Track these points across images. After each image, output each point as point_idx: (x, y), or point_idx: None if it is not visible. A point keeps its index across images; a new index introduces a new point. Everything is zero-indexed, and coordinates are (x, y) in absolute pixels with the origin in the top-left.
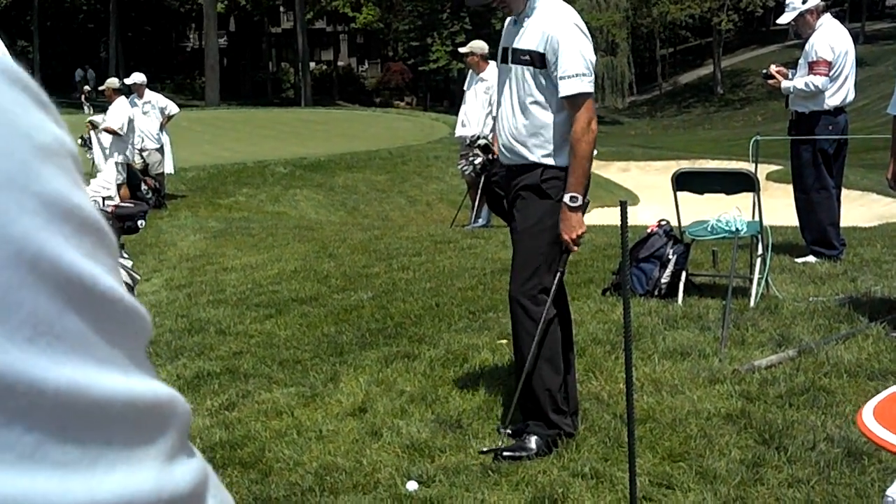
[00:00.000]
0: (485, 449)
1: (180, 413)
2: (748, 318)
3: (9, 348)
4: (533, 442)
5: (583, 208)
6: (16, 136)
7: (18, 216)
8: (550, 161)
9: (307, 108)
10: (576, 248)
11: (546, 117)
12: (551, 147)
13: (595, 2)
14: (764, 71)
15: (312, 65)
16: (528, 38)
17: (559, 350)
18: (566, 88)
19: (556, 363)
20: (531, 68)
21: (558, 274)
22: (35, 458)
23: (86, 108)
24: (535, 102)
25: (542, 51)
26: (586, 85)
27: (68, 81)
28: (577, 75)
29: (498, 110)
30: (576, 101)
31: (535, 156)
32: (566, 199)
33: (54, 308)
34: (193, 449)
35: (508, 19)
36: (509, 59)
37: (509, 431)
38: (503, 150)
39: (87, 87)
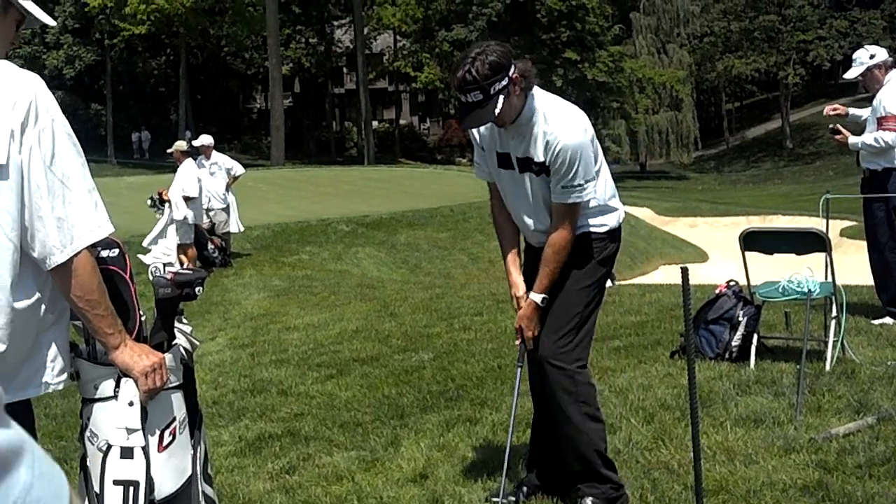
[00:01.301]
0: None
1: None
2: (824, 383)
3: None
4: (590, 502)
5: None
6: None
7: None
8: (586, 229)
9: (370, 167)
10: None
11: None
12: (584, 220)
13: (658, 58)
14: (830, 126)
15: (375, 124)
16: (532, 147)
17: (598, 405)
18: (571, 196)
19: (598, 419)
20: (544, 174)
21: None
22: None
23: (157, 215)
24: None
25: (547, 162)
26: (586, 193)
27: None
28: (579, 186)
29: (513, 209)
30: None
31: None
32: (538, 298)
33: None
34: (13, 424)
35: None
36: (515, 166)
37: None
38: (540, 238)
39: (154, 197)
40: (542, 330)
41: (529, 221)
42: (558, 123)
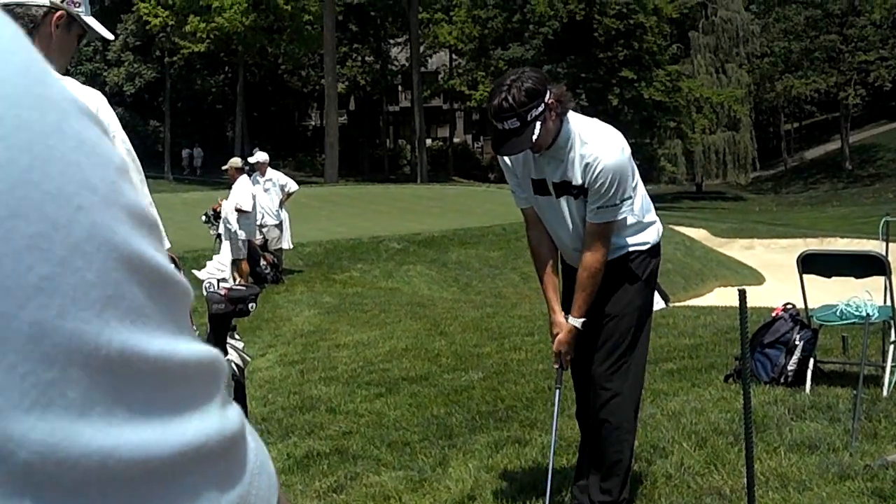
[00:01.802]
0: None
1: (224, 367)
2: (881, 409)
3: (122, 330)
4: None
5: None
6: (106, 163)
7: (117, 227)
8: (625, 250)
9: (422, 185)
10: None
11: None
12: (622, 239)
13: (716, 77)
14: None
15: (429, 142)
16: (570, 170)
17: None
18: (602, 216)
19: (632, 445)
20: (582, 196)
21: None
22: (145, 414)
23: (211, 230)
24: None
25: (586, 184)
26: (623, 211)
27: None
28: (615, 205)
29: (554, 233)
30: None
31: (613, 255)
32: (578, 323)
33: (142, 295)
34: (230, 399)
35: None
36: (552, 192)
37: None
38: (576, 260)
39: (209, 213)
40: (594, 353)
41: (570, 244)
42: (596, 145)
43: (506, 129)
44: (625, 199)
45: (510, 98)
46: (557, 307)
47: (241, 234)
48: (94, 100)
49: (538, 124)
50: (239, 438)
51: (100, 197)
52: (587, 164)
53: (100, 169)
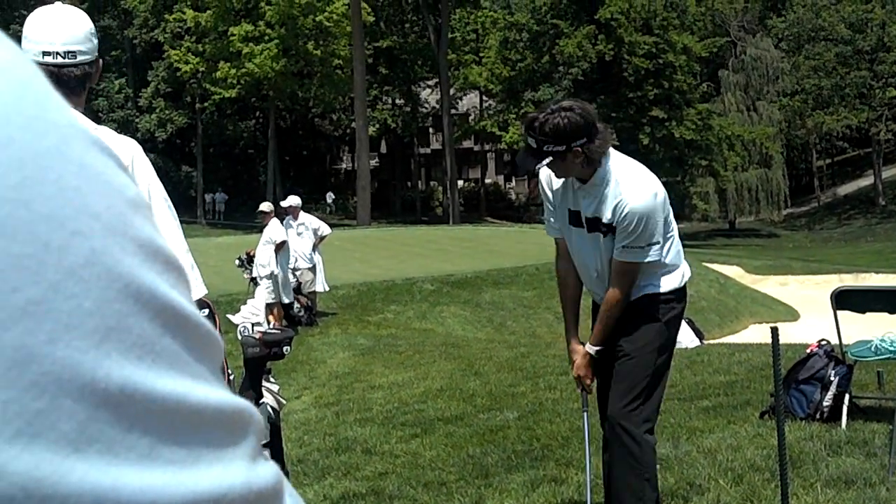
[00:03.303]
0: None
1: (256, 420)
2: None
3: (125, 365)
4: None
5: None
6: (113, 192)
7: (123, 257)
8: (647, 291)
9: (455, 226)
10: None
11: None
12: (648, 280)
13: (748, 115)
14: None
15: (460, 183)
16: (602, 207)
17: (656, 473)
18: (626, 255)
19: (655, 487)
20: (611, 234)
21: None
22: (151, 457)
23: (245, 274)
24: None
25: (615, 223)
26: (649, 255)
27: (228, 202)
28: (639, 248)
29: (581, 266)
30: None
31: (637, 294)
32: (592, 350)
33: (154, 331)
34: (267, 456)
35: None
36: (584, 225)
37: None
38: (600, 294)
39: (242, 257)
40: (611, 391)
41: (596, 279)
42: (629, 186)
43: (529, 146)
44: (652, 244)
45: (550, 124)
46: (575, 333)
47: (280, 274)
48: (130, 149)
49: (551, 159)
50: (271, 497)
51: (102, 224)
52: (617, 204)
53: (105, 197)
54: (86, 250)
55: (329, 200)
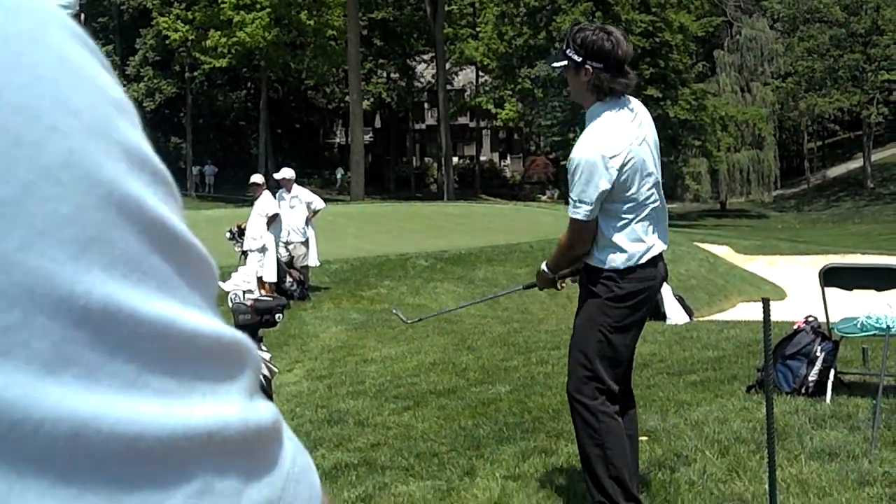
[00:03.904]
0: None
1: (254, 355)
2: None
3: (107, 280)
4: None
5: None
6: (95, 90)
7: (106, 161)
8: (591, 262)
9: (449, 203)
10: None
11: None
12: (593, 252)
13: (741, 96)
14: None
15: (455, 160)
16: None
17: (620, 440)
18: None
19: (619, 450)
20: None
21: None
22: (137, 385)
23: (236, 247)
24: None
25: (570, 162)
26: (578, 212)
27: (218, 175)
28: (571, 200)
29: None
30: (570, 220)
31: (584, 261)
32: (542, 265)
33: (141, 248)
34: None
35: None
36: None
37: None
38: None
39: (233, 230)
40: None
41: None
42: (585, 134)
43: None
44: (578, 202)
45: (580, 34)
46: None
47: (271, 246)
48: None
49: (565, 64)
50: (268, 435)
51: (83, 123)
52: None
53: (87, 94)
54: (63, 150)
55: (339, 176)
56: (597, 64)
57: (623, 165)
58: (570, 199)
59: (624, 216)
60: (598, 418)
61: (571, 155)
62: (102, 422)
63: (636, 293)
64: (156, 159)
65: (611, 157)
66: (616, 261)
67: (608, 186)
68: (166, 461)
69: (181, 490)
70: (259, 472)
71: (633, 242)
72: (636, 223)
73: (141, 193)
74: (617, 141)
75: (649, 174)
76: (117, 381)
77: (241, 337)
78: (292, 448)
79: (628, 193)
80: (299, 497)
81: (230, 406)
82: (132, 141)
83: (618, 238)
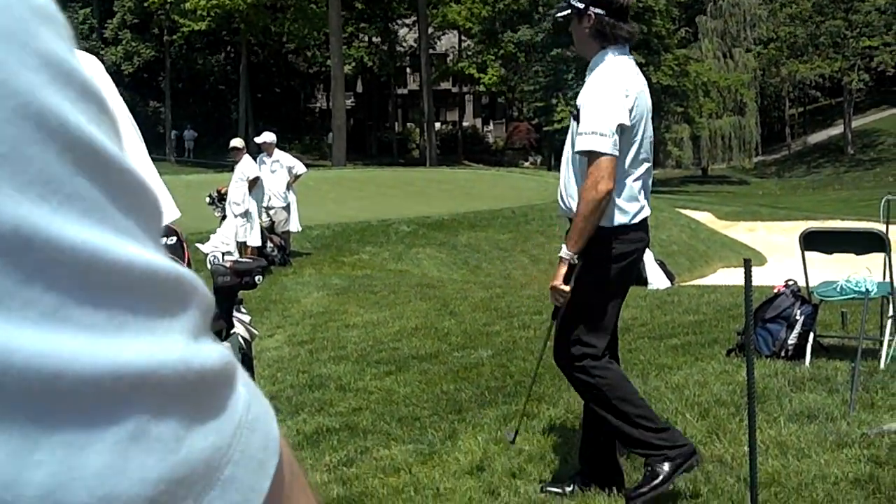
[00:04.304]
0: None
1: (201, 294)
2: (878, 380)
3: (22, 201)
4: (662, 467)
5: (571, 266)
6: None
7: (20, 70)
8: None
9: (432, 168)
10: (552, 299)
11: (583, 172)
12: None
13: (723, 62)
14: None
15: (438, 125)
16: (581, 92)
17: (629, 394)
18: (580, 144)
19: (631, 403)
20: (576, 123)
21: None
22: (58, 317)
23: (216, 212)
24: (579, 159)
25: (579, 105)
26: (602, 144)
27: (197, 140)
28: (593, 132)
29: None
30: (590, 158)
31: (573, 209)
32: (563, 252)
33: (64, 169)
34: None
35: None
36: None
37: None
38: (558, 200)
39: (212, 195)
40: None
41: (565, 171)
42: (593, 77)
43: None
44: (600, 133)
45: None
46: None
47: (254, 211)
48: (89, 65)
49: (570, 13)
50: (215, 379)
51: None
52: (585, 86)
53: None
54: None
55: (330, 141)
56: (599, 10)
57: (632, 109)
58: (583, 136)
59: (622, 172)
60: (605, 378)
61: (583, 94)
62: (15, 356)
63: (627, 255)
64: (85, 75)
65: (625, 95)
66: (613, 219)
67: (626, 121)
68: (92, 402)
69: (109, 433)
70: (203, 417)
71: (629, 201)
72: (633, 181)
73: (64, 109)
74: (629, 82)
75: (647, 130)
76: (33, 311)
77: (185, 272)
78: (246, 394)
79: (632, 143)
80: (252, 446)
81: (169, 345)
82: (56, 52)
83: (620, 199)
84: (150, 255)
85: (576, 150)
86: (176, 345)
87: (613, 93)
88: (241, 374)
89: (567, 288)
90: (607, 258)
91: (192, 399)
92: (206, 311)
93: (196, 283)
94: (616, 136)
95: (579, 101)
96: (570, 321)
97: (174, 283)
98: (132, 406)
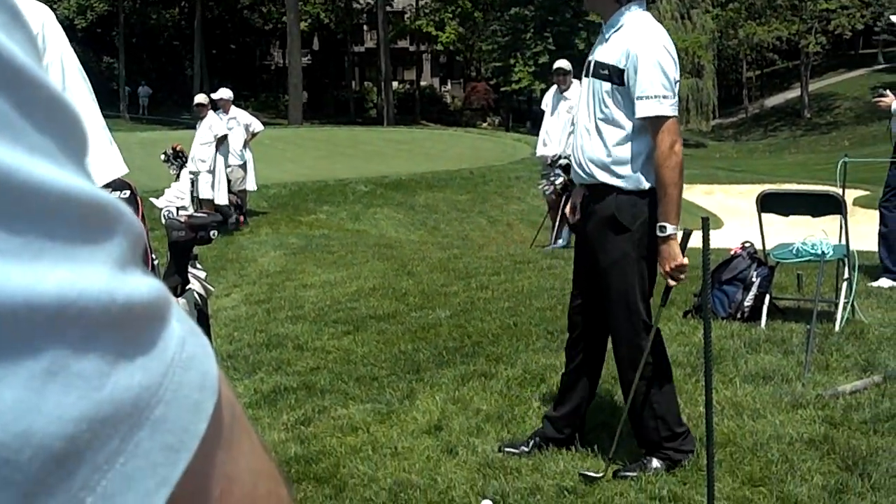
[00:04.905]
0: (599, 473)
1: (128, 221)
2: (833, 342)
3: None
4: (654, 462)
5: (681, 237)
6: None
7: None
8: (622, 184)
9: (389, 128)
10: (673, 281)
11: (619, 137)
12: (623, 169)
13: (681, 23)
14: (880, 89)
15: (395, 84)
16: (610, 51)
17: (670, 376)
18: (643, 110)
19: (666, 390)
20: (609, 84)
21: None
22: None
23: (171, 170)
24: (610, 120)
25: (622, 67)
26: (666, 108)
27: (152, 97)
28: (656, 97)
29: (575, 125)
30: (655, 123)
31: (607, 177)
32: (657, 229)
33: None
34: (154, 277)
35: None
36: (591, 71)
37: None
38: (576, 167)
39: (167, 152)
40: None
41: (577, 141)
42: (642, 34)
43: None
44: (663, 96)
45: None
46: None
47: (220, 168)
48: (40, 13)
49: None
50: (144, 313)
51: None
52: (626, 47)
53: None
54: None
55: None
56: None
57: (676, 67)
58: (645, 98)
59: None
60: (655, 357)
61: (634, 50)
62: None
63: (654, 216)
64: None
65: (671, 52)
66: (649, 180)
67: (679, 78)
68: (5, 333)
69: (23, 367)
70: (130, 353)
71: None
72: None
73: None
74: (667, 39)
75: None
76: None
77: (110, 198)
78: (181, 331)
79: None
80: (187, 385)
81: (91, 275)
82: None
83: (650, 154)
84: (69, 178)
85: (638, 116)
86: (99, 275)
87: (664, 52)
88: (176, 310)
89: (687, 260)
90: (646, 222)
91: (118, 333)
92: (134, 241)
93: (122, 210)
94: (675, 97)
95: (608, 59)
96: (628, 301)
97: (97, 209)
98: (50, 339)
